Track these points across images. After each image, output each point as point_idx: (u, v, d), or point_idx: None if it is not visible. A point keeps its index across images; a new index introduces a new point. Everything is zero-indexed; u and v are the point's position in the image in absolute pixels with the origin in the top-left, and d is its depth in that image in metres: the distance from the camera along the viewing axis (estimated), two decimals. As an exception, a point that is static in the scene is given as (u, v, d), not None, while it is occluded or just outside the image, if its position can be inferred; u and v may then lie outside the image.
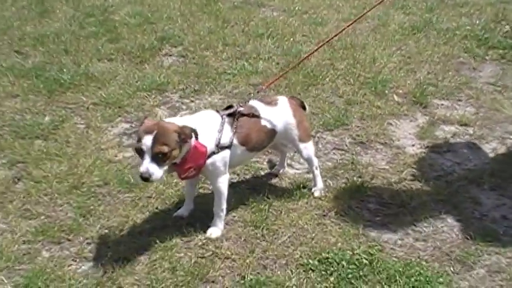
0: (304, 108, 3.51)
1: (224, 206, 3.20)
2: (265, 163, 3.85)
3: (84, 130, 4.20)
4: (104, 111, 4.42)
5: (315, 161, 3.50)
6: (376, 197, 3.51)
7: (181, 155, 2.94)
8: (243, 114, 3.21)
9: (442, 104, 4.58)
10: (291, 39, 5.62)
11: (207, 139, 3.04)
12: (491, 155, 3.96)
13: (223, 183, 3.18)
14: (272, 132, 3.30)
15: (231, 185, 3.48)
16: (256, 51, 5.40)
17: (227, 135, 3.12)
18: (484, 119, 4.35)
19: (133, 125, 4.22)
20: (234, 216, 3.32)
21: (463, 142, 4.10)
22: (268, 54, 5.34)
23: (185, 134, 2.87)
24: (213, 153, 3.07)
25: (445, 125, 4.30)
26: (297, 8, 6.53)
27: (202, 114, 3.26)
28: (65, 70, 5.01)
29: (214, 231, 3.20)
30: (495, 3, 6.68)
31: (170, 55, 5.42)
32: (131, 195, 3.49)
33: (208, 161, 3.06)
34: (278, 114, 3.30)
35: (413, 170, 3.77)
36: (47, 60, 5.25)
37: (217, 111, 3.22)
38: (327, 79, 4.89)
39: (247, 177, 3.71)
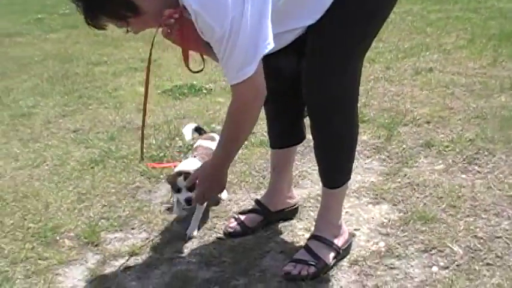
0: None
1: None
2: None
3: None
4: None
5: None
6: None
7: None
8: None
9: (115, 237, 4.51)
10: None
11: None
12: (158, 280, 3.94)
13: None
14: None
15: None
16: None
17: None
18: (154, 245, 4.36)
19: None
20: None
21: (134, 274, 4.03)
22: None
23: None
24: None
25: (115, 259, 4.21)
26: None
27: None
28: None
29: None
30: (171, 121, 7.02)
31: None
32: None
33: None
34: None
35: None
36: None
37: None
38: (-9, 242, 4.51)
39: None
